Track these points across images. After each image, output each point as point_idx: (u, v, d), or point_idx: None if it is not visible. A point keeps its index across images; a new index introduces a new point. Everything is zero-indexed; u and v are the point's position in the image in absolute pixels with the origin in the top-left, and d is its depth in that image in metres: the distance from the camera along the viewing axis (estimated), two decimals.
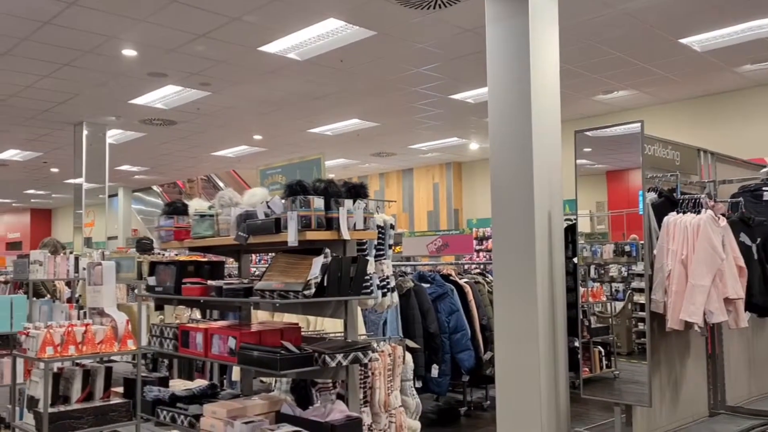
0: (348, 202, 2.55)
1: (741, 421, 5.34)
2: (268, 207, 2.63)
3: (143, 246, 7.27)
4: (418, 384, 5.29)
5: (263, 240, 2.62)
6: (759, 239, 5.30)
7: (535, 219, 5.04)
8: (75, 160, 11.09)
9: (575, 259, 5.55)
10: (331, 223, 2.53)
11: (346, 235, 2.51)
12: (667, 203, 5.04)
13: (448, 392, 6.15)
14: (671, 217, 4.84)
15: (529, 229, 5.05)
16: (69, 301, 6.53)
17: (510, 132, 5.22)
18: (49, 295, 6.77)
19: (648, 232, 4.88)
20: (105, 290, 4.34)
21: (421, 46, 7.33)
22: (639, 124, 4.85)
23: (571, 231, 5.70)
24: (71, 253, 6.84)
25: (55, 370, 4.19)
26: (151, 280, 3.11)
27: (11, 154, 13.35)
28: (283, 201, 2.55)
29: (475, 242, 12.10)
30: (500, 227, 5.26)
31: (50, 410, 3.79)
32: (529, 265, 5.02)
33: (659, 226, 4.91)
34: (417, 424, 3.38)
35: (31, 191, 19.84)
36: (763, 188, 5.87)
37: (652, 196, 5.06)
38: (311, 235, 2.46)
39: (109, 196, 12.53)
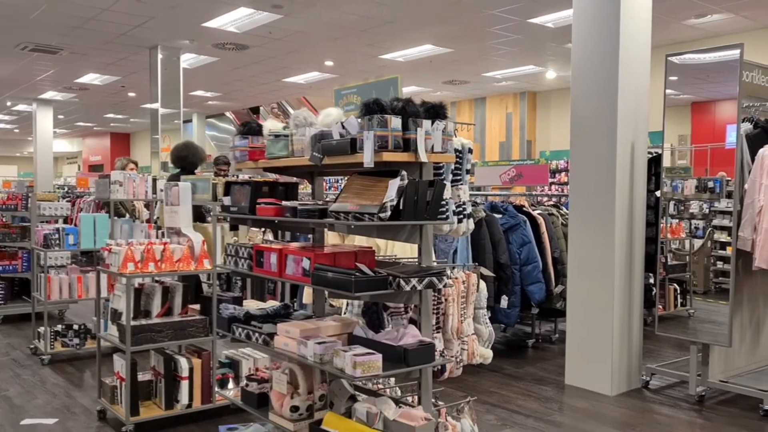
0: (426, 123, 2.45)
1: None
2: (343, 127, 2.56)
3: (222, 160, 7.39)
4: (488, 314, 5.26)
5: (338, 161, 2.57)
6: None
7: (617, 150, 4.82)
8: (151, 84, 11.30)
9: (658, 193, 5.31)
10: (408, 145, 2.44)
11: (423, 157, 2.42)
12: (762, 134, 4.71)
13: (516, 324, 6.12)
14: (766, 150, 4.51)
15: (611, 160, 4.83)
16: (148, 221, 6.75)
17: (595, 58, 4.94)
18: (128, 215, 7.03)
19: (740, 164, 4.58)
20: (181, 210, 4.44)
21: None
22: (738, 48, 4.48)
23: (654, 163, 5.43)
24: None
25: (137, 285, 4.38)
26: (227, 200, 3.13)
27: (91, 78, 13.72)
28: (359, 120, 2.47)
29: (548, 174, 11.79)
30: (579, 158, 5.06)
31: (132, 323, 3.98)
32: (609, 198, 4.84)
33: (753, 159, 4.59)
34: (489, 353, 3.36)
35: (110, 115, 20.50)
36: None
37: (746, 126, 4.72)
38: (388, 156, 2.39)
39: (184, 122, 12.78)
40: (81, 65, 12.50)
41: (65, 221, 7.64)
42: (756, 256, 4.45)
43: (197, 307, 4.40)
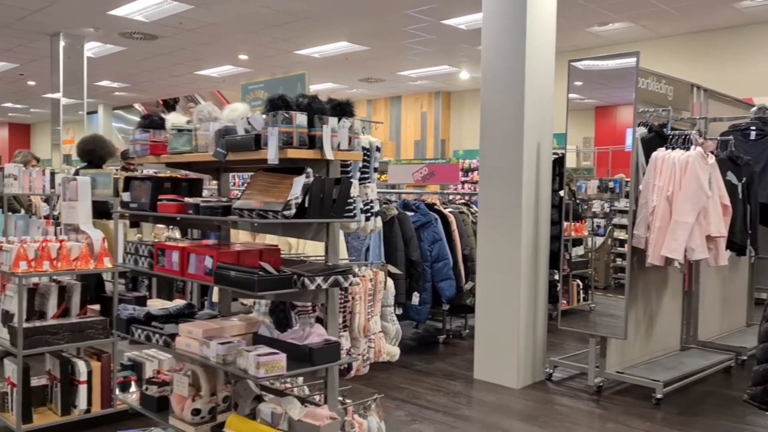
0: (333, 120, 2.44)
1: (710, 355, 5.47)
2: (249, 123, 2.50)
3: (128, 155, 7.05)
4: (399, 311, 5.31)
5: (242, 157, 2.51)
6: (745, 179, 5.28)
7: (524, 151, 4.97)
8: (52, 73, 10.72)
9: (561, 192, 5.52)
10: (314, 142, 2.42)
11: (329, 154, 2.41)
12: (656, 138, 4.98)
13: (427, 320, 6.21)
14: (660, 153, 4.78)
15: (517, 160, 4.98)
16: (47, 218, 6.40)
17: (503, 60, 5.07)
18: (24, 210, 6.64)
19: (635, 166, 4.83)
20: (80, 206, 4.23)
21: None
22: (634, 56, 4.72)
23: (558, 164, 5.65)
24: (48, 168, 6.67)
25: (30, 285, 4.14)
26: (126, 196, 3.00)
27: None
28: (264, 116, 2.43)
29: (460, 173, 12.03)
30: (488, 157, 5.19)
31: (25, 325, 3.76)
32: (516, 197, 4.98)
33: (647, 162, 4.85)
34: (396, 350, 3.39)
35: (8, 104, 19.30)
36: (752, 128, 5.82)
37: (642, 130, 4.98)
38: (293, 153, 2.35)
39: (89, 113, 12.19)
40: None
41: None
42: (649, 253, 4.70)
43: (97, 307, 4.21)
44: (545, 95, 5.14)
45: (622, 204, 6.63)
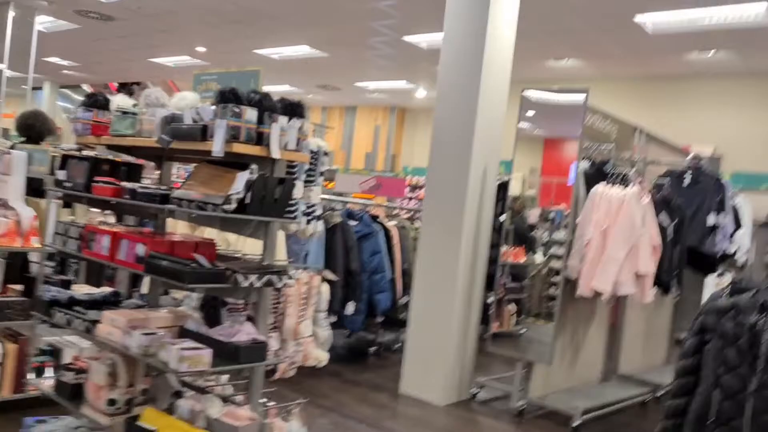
0: (283, 119, 2.43)
1: (629, 388, 5.65)
2: (197, 113, 2.47)
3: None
4: (333, 319, 5.29)
5: (187, 146, 2.47)
6: (676, 221, 5.50)
7: (470, 172, 5.05)
8: None
9: (502, 217, 5.62)
10: (261, 139, 2.40)
11: (276, 153, 2.40)
12: (597, 174, 5.14)
13: (360, 330, 6.20)
14: (599, 188, 4.93)
15: (463, 180, 5.06)
16: None
17: (459, 82, 5.16)
18: None
19: (576, 198, 4.97)
20: (12, 181, 4.07)
21: None
22: (584, 93, 4.88)
23: (502, 188, 5.75)
24: None
25: None
26: (61, 174, 2.91)
27: None
28: (213, 108, 2.40)
29: (407, 189, 12.12)
30: (435, 175, 5.25)
31: None
32: (458, 216, 5.05)
33: (587, 195, 5.00)
34: (325, 355, 3.38)
35: None
36: (686, 174, 6.08)
37: (585, 164, 5.14)
38: (239, 148, 2.34)
39: (34, 89, 11.74)
40: None
41: None
42: (580, 284, 4.83)
43: (20, 287, 4.05)
44: (496, 121, 5.25)
45: (560, 235, 6.81)
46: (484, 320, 5.59)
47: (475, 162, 5.08)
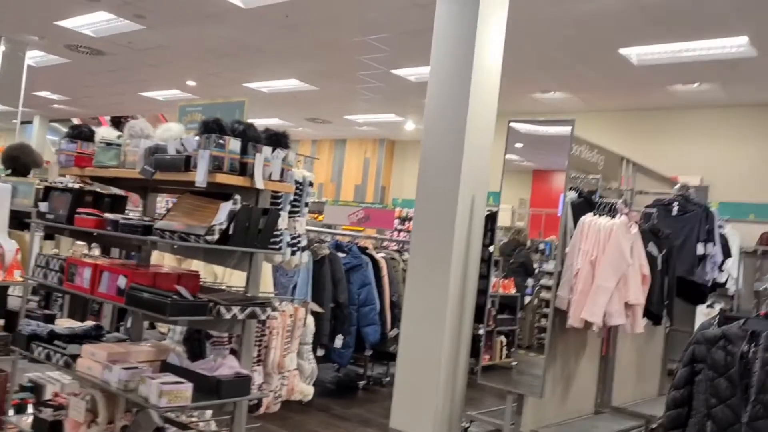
0: (267, 150, 2.42)
1: (623, 421, 5.57)
2: (181, 144, 2.46)
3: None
4: (321, 352, 5.22)
5: (171, 177, 2.45)
6: (665, 251, 5.50)
7: (458, 203, 5.04)
8: None
9: (491, 248, 5.60)
10: (245, 169, 2.39)
11: (260, 183, 2.38)
12: (585, 204, 5.15)
13: (349, 364, 6.13)
14: (587, 218, 4.94)
15: (451, 212, 5.05)
16: None
17: (445, 114, 5.18)
18: None
19: (564, 229, 4.97)
20: None
21: (370, 15, 7.17)
22: (570, 124, 4.91)
23: (491, 219, 5.75)
24: None
25: None
26: (43, 206, 2.87)
27: None
28: (197, 139, 2.39)
29: (397, 221, 12.11)
30: (423, 206, 5.24)
31: None
32: (446, 248, 5.03)
33: (576, 226, 5.00)
34: (310, 389, 3.31)
35: None
36: (674, 204, 6.11)
37: (572, 195, 5.15)
38: (222, 178, 2.32)
39: (23, 123, 11.75)
40: None
41: None
42: (570, 315, 4.80)
43: (2, 322, 3.97)
44: (483, 152, 5.26)
45: (550, 266, 6.80)
46: (474, 353, 5.53)
47: (463, 193, 5.08)
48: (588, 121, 10.06)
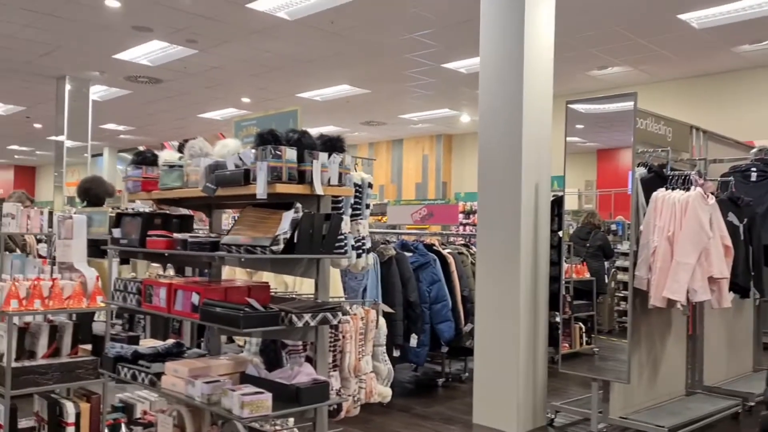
0: (323, 155, 2.42)
1: (716, 400, 5.33)
2: (240, 158, 2.49)
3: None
4: (396, 353, 5.21)
5: (232, 192, 2.49)
6: (746, 220, 5.24)
7: (522, 191, 4.95)
8: (57, 115, 10.83)
9: (560, 233, 5.47)
10: (303, 177, 2.40)
11: (319, 189, 2.38)
12: (656, 179, 4.95)
13: (426, 363, 6.09)
14: (660, 193, 4.75)
15: (515, 200, 4.95)
16: (43, 257, 6.36)
17: (500, 102, 5.09)
18: (19, 250, 6.61)
19: (635, 207, 4.79)
20: (75, 244, 4.20)
21: (415, 11, 7.13)
22: (632, 97, 4.74)
23: (557, 204, 5.61)
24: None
25: (21, 324, 4.08)
26: (117, 232, 2.97)
27: None
28: (254, 151, 2.41)
29: (462, 216, 12.01)
30: (486, 198, 5.17)
31: (14, 365, 3.69)
32: (514, 237, 4.94)
33: (647, 202, 4.82)
34: (388, 391, 3.30)
35: (15, 147, 19.50)
36: (752, 169, 5.79)
37: (641, 171, 4.96)
38: (281, 188, 2.33)
39: (94, 156, 12.28)
40: None
41: None
42: (651, 295, 4.62)
43: (89, 347, 4.14)
44: (542, 137, 5.15)
45: (624, 247, 6.58)
46: (553, 341, 5.41)
47: (526, 180, 4.97)
48: (651, 93, 9.69)
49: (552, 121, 5.22)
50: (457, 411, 5.33)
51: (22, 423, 3.92)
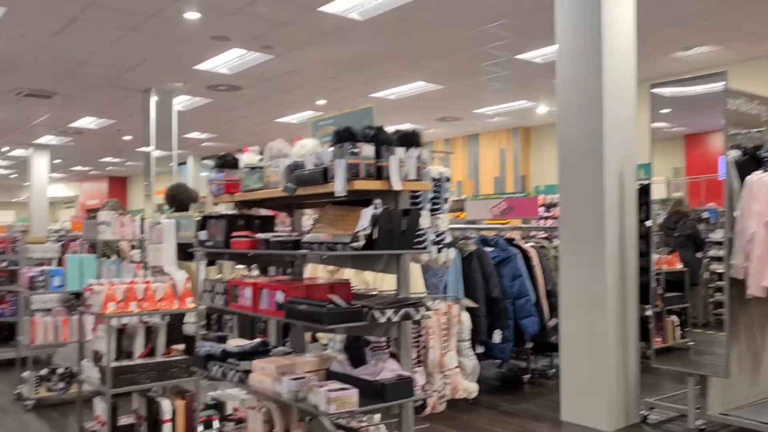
0: (400, 150, 2.41)
1: None
2: (317, 157, 2.52)
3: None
4: (480, 349, 5.14)
5: (312, 191, 2.52)
6: None
7: (605, 180, 4.78)
8: (144, 127, 11.34)
9: (648, 223, 5.25)
10: (381, 173, 2.40)
11: (397, 185, 2.38)
12: (751, 162, 4.67)
13: (511, 359, 5.99)
14: (754, 177, 4.48)
15: (599, 190, 4.80)
16: (136, 262, 6.67)
17: (579, 90, 4.95)
18: (115, 255, 6.96)
19: (729, 192, 4.54)
20: (165, 248, 4.39)
21: (487, 2, 7.02)
22: (722, 77, 4.49)
23: (643, 193, 5.39)
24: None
25: (119, 325, 4.29)
26: (202, 235, 3.07)
27: (86, 121, 13.81)
28: (331, 150, 2.44)
29: (542, 209, 11.73)
30: (568, 189, 5.03)
31: (113, 364, 3.88)
32: (598, 229, 4.78)
33: (742, 187, 4.55)
34: (474, 386, 3.26)
35: (107, 159, 20.58)
36: None
37: (735, 154, 4.69)
38: (360, 185, 2.34)
39: (179, 164, 12.77)
40: (75, 109, 12.59)
41: (59, 264, 7.54)
42: (749, 284, 4.36)
43: (182, 347, 4.31)
44: (626, 124, 4.96)
45: (717, 235, 6.24)
46: (644, 336, 5.19)
47: (609, 170, 4.80)
48: (742, 72, 9.12)
49: (636, 107, 5.02)
50: (544, 408, 5.21)
51: (122, 420, 4.12)
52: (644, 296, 5.07)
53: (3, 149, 18.20)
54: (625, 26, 4.97)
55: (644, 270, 5.16)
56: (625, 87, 4.94)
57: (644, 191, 5.38)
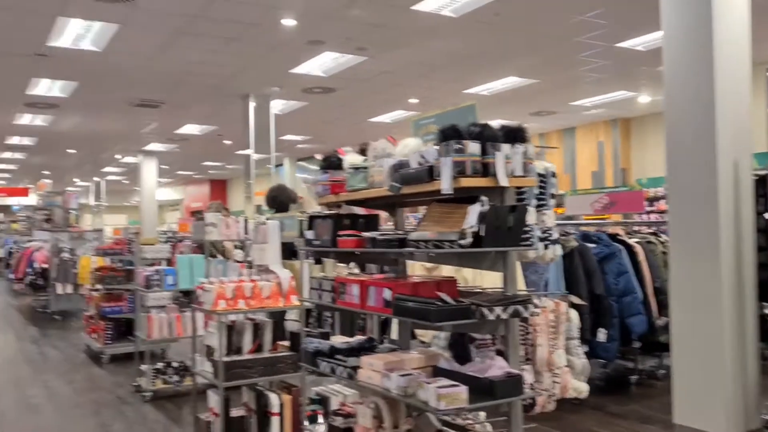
0: (505, 147, 2.39)
1: None
2: (422, 156, 2.54)
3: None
4: (585, 348, 5.00)
5: (416, 190, 2.54)
6: None
7: (719, 170, 4.54)
8: (243, 131, 11.79)
9: (767, 215, 4.93)
10: (487, 170, 2.39)
11: (503, 181, 2.35)
12: None
13: (617, 359, 5.78)
14: None
15: (711, 182, 4.55)
16: (240, 262, 6.94)
17: (688, 77, 4.71)
18: (220, 255, 7.27)
19: None
20: (270, 248, 4.54)
21: None
22: None
23: (761, 184, 5.07)
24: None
25: (228, 322, 4.49)
26: (309, 234, 3.16)
27: (190, 128, 14.51)
28: (436, 148, 2.44)
29: (645, 203, 11.26)
30: (677, 181, 4.80)
31: (225, 359, 4.06)
32: (711, 222, 4.54)
33: None
34: (584, 386, 3.17)
35: (208, 163, 21.53)
36: None
37: None
38: (466, 182, 2.34)
39: (276, 166, 13.18)
40: (181, 117, 13.26)
41: (168, 264, 7.98)
42: None
43: (287, 343, 4.45)
44: (740, 110, 4.68)
45: None
46: (765, 336, 4.88)
47: (723, 160, 4.55)
48: None
49: (751, 93, 4.72)
50: (654, 410, 5.00)
51: (233, 412, 4.30)
52: (763, 294, 4.77)
53: (116, 156, 19.44)
54: (739, 3, 4.69)
55: (763, 265, 4.85)
56: (739, 70, 4.66)
57: (762, 182, 5.06)
